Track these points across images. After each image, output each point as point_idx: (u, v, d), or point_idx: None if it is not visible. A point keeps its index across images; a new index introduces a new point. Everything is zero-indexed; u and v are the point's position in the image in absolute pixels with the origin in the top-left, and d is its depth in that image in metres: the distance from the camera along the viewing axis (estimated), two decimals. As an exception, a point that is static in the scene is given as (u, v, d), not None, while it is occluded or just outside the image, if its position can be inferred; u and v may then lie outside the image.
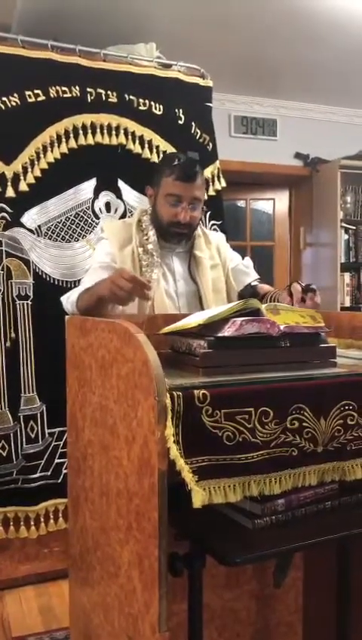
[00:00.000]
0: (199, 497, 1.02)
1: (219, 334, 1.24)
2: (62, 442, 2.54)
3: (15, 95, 2.53)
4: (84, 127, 2.65)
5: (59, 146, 2.60)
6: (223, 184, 2.98)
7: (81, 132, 2.64)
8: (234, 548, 1.10)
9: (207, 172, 2.86)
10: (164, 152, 2.76)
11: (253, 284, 2.10)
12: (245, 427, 1.07)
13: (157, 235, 2.07)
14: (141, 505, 1.08)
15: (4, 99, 2.51)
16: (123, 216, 2.73)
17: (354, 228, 4.67)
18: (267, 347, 1.27)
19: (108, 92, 2.71)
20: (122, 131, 2.73)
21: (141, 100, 2.78)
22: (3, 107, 2.51)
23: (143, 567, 1.07)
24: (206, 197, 2.53)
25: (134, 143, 2.75)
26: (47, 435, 2.55)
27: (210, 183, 2.91)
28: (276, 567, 1.57)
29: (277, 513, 1.17)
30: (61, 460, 2.54)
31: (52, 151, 2.59)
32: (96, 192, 2.70)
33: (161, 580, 1.02)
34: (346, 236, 4.64)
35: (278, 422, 1.10)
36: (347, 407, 1.17)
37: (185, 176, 1.99)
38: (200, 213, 2.10)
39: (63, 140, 2.61)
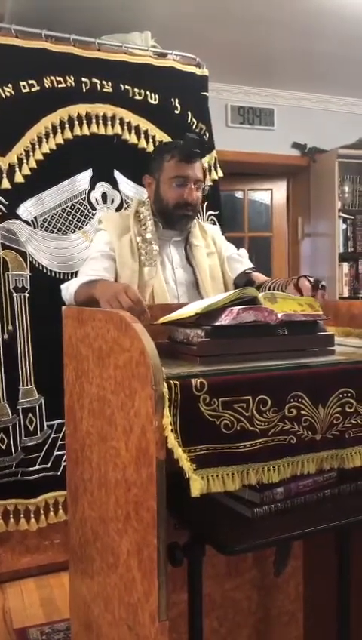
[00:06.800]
0: (197, 486, 1.02)
1: (216, 323, 1.24)
2: (61, 434, 2.54)
3: (9, 85, 2.51)
4: (79, 117, 2.63)
5: (54, 137, 2.58)
6: (220, 174, 2.96)
7: (76, 122, 2.62)
8: (233, 537, 1.10)
9: (204, 162, 2.83)
10: (160, 142, 2.74)
11: (246, 271, 2.10)
12: (243, 415, 1.06)
13: (156, 224, 2.07)
14: (139, 494, 1.07)
15: (-2, 89, 2.49)
16: (120, 207, 2.72)
17: (353, 217, 4.65)
18: (264, 335, 1.27)
19: (104, 82, 2.69)
20: (118, 121, 2.71)
21: (136, 90, 2.76)
22: (-3, 98, 2.49)
23: (142, 557, 1.07)
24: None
25: (130, 133, 2.73)
26: (45, 428, 2.55)
27: (207, 174, 2.89)
28: (276, 555, 1.57)
29: (276, 502, 1.17)
30: (60, 453, 2.53)
31: (47, 142, 2.57)
32: (92, 183, 2.68)
33: (159, 569, 1.01)
34: (344, 226, 4.62)
35: (276, 410, 1.10)
36: (345, 395, 1.17)
37: (188, 155, 2.00)
38: (201, 194, 2.10)
39: (58, 130, 2.59)
